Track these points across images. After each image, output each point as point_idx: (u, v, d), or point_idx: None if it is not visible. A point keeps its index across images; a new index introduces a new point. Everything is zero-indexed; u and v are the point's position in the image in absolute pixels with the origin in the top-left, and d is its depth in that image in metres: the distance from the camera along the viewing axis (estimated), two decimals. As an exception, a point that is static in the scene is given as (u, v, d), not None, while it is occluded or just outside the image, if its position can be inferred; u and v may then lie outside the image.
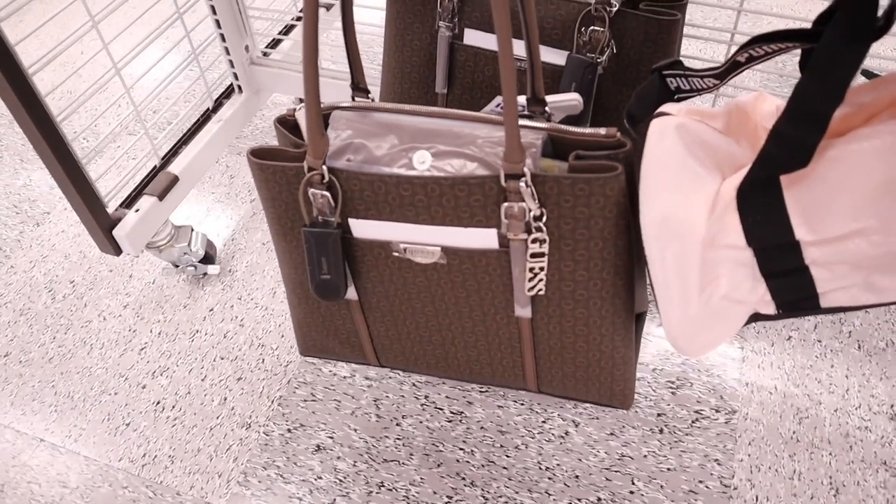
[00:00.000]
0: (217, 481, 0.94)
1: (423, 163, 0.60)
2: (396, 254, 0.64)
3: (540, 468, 0.92)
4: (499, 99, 0.72)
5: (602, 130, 0.59)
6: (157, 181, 1.04)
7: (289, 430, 0.98)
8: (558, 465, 0.93)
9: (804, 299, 0.54)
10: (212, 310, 1.14)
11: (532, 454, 0.94)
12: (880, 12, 0.43)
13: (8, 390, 1.07)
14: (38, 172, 1.43)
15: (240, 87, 1.21)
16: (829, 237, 0.49)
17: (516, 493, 0.90)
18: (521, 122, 0.59)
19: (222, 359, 1.08)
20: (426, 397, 1.00)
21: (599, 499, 0.89)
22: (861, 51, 0.43)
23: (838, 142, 0.47)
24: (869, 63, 1.38)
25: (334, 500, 0.91)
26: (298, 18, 1.31)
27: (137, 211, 1.00)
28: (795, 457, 0.91)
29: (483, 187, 0.58)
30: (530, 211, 0.57)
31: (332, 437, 0.97)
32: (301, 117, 0.65)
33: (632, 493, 0.90)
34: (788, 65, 1.46)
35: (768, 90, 1.42)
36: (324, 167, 0.60)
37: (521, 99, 0.67)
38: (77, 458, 0.98)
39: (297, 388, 1.03)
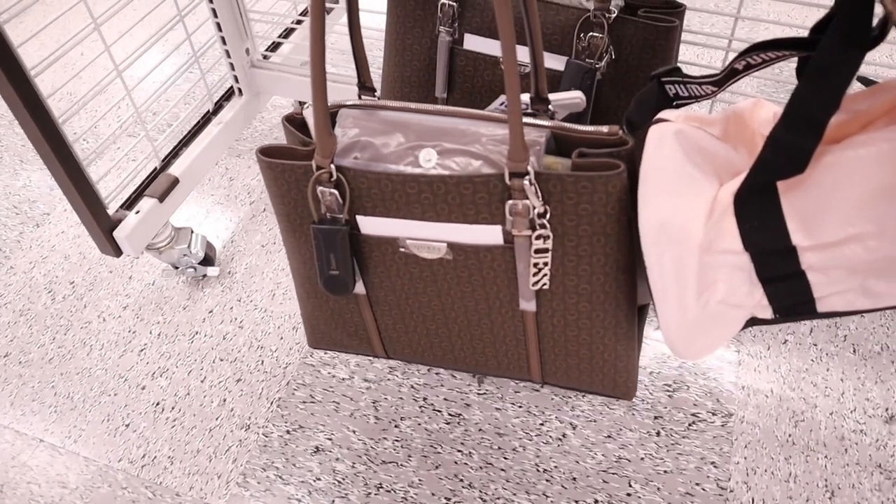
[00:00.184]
0: (216, 482, 0.95)
1: (429, 161, 0.61)
2: (403, 249, 0.65)
3: (538, 470, 0.93)
4: (502, 98, 0.73)
5: (605, 128, 0.60)
6: (158, 183, 1.04)
7: (288, 432, 0.99)
8: (556, 467, 0.93)
9: (801, 304, 0.54)
10: (211, 311, 1.15)
11: (530, 456, 0.94)
12: (875, 21, 0.43)
13: (8, 391, 1.07)
14: (37, 173, 1.44)
15: (240, 90, 1.22)
16: (826, 242, 0.49)
17: (514, 494, 0.91)
18: (525, 119, 0.60)
19: (221, 360, 1.08)
20: (424, 399, 1.01)
21: (597, 501, 0.90)
22: (857, 59, 0.43)
23: (835, 148, 0.48)
24: (865, 70, 1.39)
25: (333, 501, 0.92)
26: (298, 22, 1.31)
27: (138, 212, 1.00)
28: (791, 460, 0.92)
29: (488, 185, 0.59)
30: (534, 208, 0.58)
31: (330, 439, 0.98)
32: (309, 116, 0.66)
33: (629, 495, 0.90)
34: (785, 71, 1.47)
35: (765, 96, 1.43)
36: (332, 166, 0.61)
37: (525, 97, 0.68)
38: (77, 458, 0.99)
39: (296, 389, 1.03)
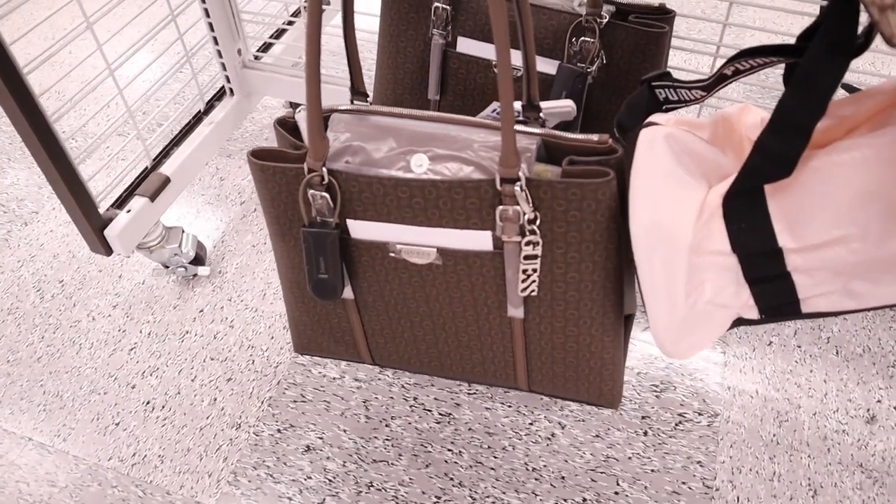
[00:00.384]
0: (207, 481, 0.95)
1: (420, 166, 0.61)
2: (393, 254, 0.65)
3: (527, 469, 0.94)
4: (494, 105, 0.74)
5: (594, 137, 0.61)
6: (149, 182, 1.04)
7: (279, 431, 0.99)
8: (545, 466, 0.94)
9: (786, 304, 0.55)
10: (202, 311, 1.15)
11: (519, 455, 0.95)
12: (860, 30, 0.45)
13: (-4, 389, 1.07)
14: (25, 171, 1.43)
15: (231, 90, 1.22)
16: (811, 244, 0.51)
17: (503, 493, 0.92)
18: (517, 127, 0.61)
19: (212, 359, 1.08)
20: (415, 399, 1.02)
21: (585, 499, 0.91)
22: (842, 66, 0.45)
23: (820, 153, 0.49)
24: (849, 77, 1.41)
25: (324, 499, 0.92)
26: (290, 23, 1.32)
27: (129, 211, 1.00)
28: (775, 459, 0.94)
29: (479, 190, 0.59)
30: (524, 214, 0.59)
31: (321, 438, 0.98)
32: (301, 119, 0.66)
33: (616, 493, 0.91)
34: (771, 77, 1.49)
35: (752, 102, 1.45)
36: (323, 169, 0.61)
37: (517, 105, 0.69)
38: (66, 457, 0.98)
39: (286, 389, 1.04)
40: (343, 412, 1.01)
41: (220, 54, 1.17)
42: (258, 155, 0.65)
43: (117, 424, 1.02)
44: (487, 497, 0.92)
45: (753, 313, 0.57)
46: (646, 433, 0.97)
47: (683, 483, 0.92)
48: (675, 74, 0.62)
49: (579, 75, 0.80)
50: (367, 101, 0.69)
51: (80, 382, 1.07)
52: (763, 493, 0.91)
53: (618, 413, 0.99)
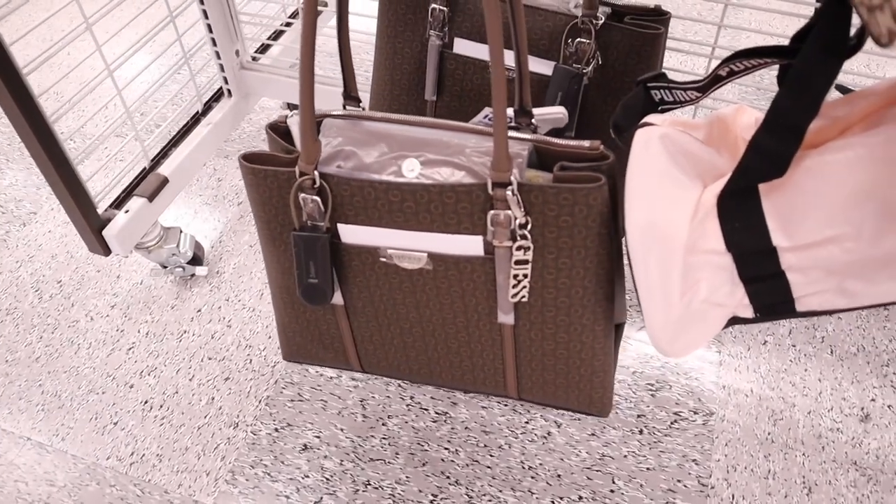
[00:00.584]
0: (205, 479, 0.95)
1: (412, 170, 0.61)
2: (383, 259, 0.66)
3: (523, 467, 0.94)
4: (487, 110, 0.74)
5: (586, 143, 0.61)
6: (147, 182, 1.05)
7: (276, 430, 1.00)
8: (541, 464, 0.95)
9: (780, 303, 0.56)
10: (199, 311, 1.15)
11: (515, 454, 0.96)
12: (853, 31, 0.45)
13: (-6, 389, 1.07)
14: (23, 172, 1.43)
15: (229, 91, 1.22)
16: (805, 243, 0.51)
17: (500, 491, 0.92)
18: (509, 133, 0.61)
19: (210, 359, 1.09)
20: (411, 398, 1.02)
21: (581, 497, 0.91)
22: (835, 67, 0.45)
23: (814, 153, 0.49)
24: (844, 79, 1.42)
25: (321, 498, 0.93)
26: (288, 24, 1.32)
27: (127, 212, 1.01)
28: (770, 457, 0.94)
29: (470, 195, 0.59)
30: (516, 219, 0.59)
31: (318, 437, 0.99)
32: (293, 124, 0.66)
33: (612, 491, 0.92)
34: (766, 79, 1.50)
35: (747, 103, 1.46)
36: (315, 172, 0.62)
37: (509, 111, 0.69)
38: (64, 456, 0.99)
39: (284, 388, 1.04)
40: (340, 411, 1.01)
41: (218, 55, 1.17)
42: (249, 158, 0.65)
43: (115, 424, 1.02)
44: (484, 495, 0.92)
45: (748, 312, 0.57)
46: (641, 432, 0.97)
47: (679, 481, 0.92)
48: (671, 76, 0.62)
49: (575, 76, 0.81)
50: (359, 107, 0.69)
51: (79, 382, 1.07)
52: (758, 491, 0.91)
53: (613, 412, 0.99)
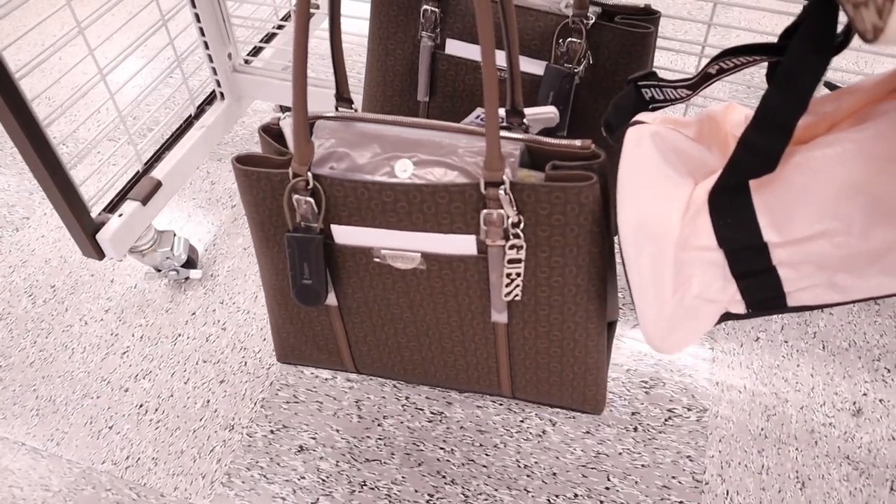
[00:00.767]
0: (201, 482, 0.95)
1: (404, 171, 0.62)
2: (377, 259, 0.66)
3: (518, 466, 0.95)
4: (478, 111, 0.74)
5: (577, 142, 0.61)
6: (141, 186, 1.05)
7: (272, 432, 1.00)
8: (536, 462, 0.95)
9: (772, 298, 0.56)
10: (194, 314, 1.15)
11: (511, 452, 0.96)
12: (840, 28, 0.46)
13: (-12, 394, 1.07)
14: (16, 178, 1.43)
15: (222, 94, 1.23)
16: (795, 239, 0.52)
17: (496, 490, 0.93)
18: (501, 133, 0.62)
19: (205, 362, 1.09)
20: (407, 398, 1.02)
21: (576, 495, 0.92)
22: (823, 63, 0.46)
23: (803, 148, 0.50)
24: (831, 75, 1.43)
25: (317, 499, 0.93)
26: (280, 27, 1.32)
27: (121, 216, 1.01)
28: (764, 452, 0.95)
29: (463, 194, 0.60)
30: (508, 218, 0.59)
31: (314, 438, 0.99)
32: (286, 126, 0.67)
33: (607, 489, 0.92)
34: (756, 77, 1.51)
35: (737, 101, 1.47)
36: (309, 174, 0.62)
37: (500, 111, 0.69)
38: (59, 461, 0.99)
39: (279, 390, 1.04)
40: (336, 412, 1.01)
41: (210, 59, 1.18)
42: (243, 161, 0.65)
43: (110, 428, 1.02)
44: (480, 494, 0.92)
45: (740, 308, 0.58)
46: (636, 429, 0.98)
47: (673, 477, 0.93)
48: (662, 74, 0.63)
49: (566, 76, 0.81)
50: (352, 108, 0.69)
51: (73, 387, 1.07)
52: (752, 486, 0.92)
53: (608, 409, 1.00)
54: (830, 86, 1.31)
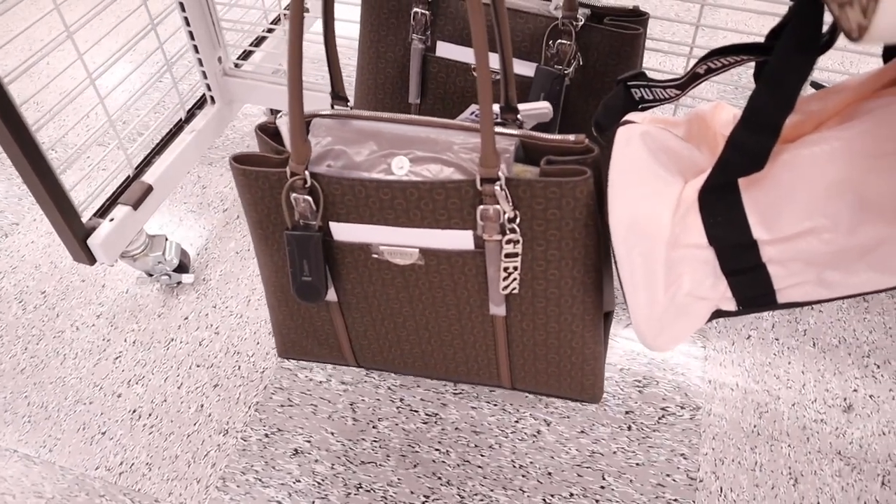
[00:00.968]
0: (195, 487, 0.95)
1: (401, 168, 0.62)
2: (376, 255, 0.66)
3: (514, 466, 0.95)
4: (473, 107, 0.75)
5: (571, 137, 0.62)
6: (132, 191, 1.04)
7: (266, 435, 1.00)
8: (531, 462, 0.95)
9: (762, 295, 0.57)
10: (187, 318, 1.15)
11: (506, 453, 0.96)
12: (825, 28, 0.46)
13: (-20, 402, 1.06)
14: (4, 183, 1.42)
15: (212, 98, 1.23)
16: (784, 236, 0.52)
17: (491, 490, 0.93)
18: (495, 129, 0.62)
19: (198, 366, 1.08)
20: (401, 400, 1.02)
21: (572, 494, 0.92)
22: (809, 63, 0.46)
23: (791, 147, 0.50)
24: (817, 75, 1.44)
25: (313, 502, 0.93)
26: (270, 30, 1.32)
27: (112, 220, 1.00)
28: (757, 449, 0.95)
29: (460, 191, 0.60)
30: (505, 213, 0.60)
31: (309, 441, 0.99)
32: (283, 125, 0.67)
33: (603, 487, 0.93)
34: (744, 77, 1.52)
35: (725, 100, 1.48)
36: (306, 172, 0.62)
37: (495, 107, 0.70)
38: (52, 468, 0.98)
39: (273, 393, 1.04)
40: (330, 415, 1.01)
41: (200, 63, 1.17)
42: (240, 160, 0.65)
43: (104, 433, 1.01)
44: (476, 495, 0.93)
45: (731, 305, 0.58)
46: (630, 428, 0.98)
47: (668, 475, 0.93)
48: (651, 75, 0.63)
49: (557, 77, 0.82)
50: (347, 106, 0.70)
51: (65, 393, 1.07)
52: (746, 482, 0.92)
53: (602, 409, 1.00)
54: (816, 85, 1.32)
